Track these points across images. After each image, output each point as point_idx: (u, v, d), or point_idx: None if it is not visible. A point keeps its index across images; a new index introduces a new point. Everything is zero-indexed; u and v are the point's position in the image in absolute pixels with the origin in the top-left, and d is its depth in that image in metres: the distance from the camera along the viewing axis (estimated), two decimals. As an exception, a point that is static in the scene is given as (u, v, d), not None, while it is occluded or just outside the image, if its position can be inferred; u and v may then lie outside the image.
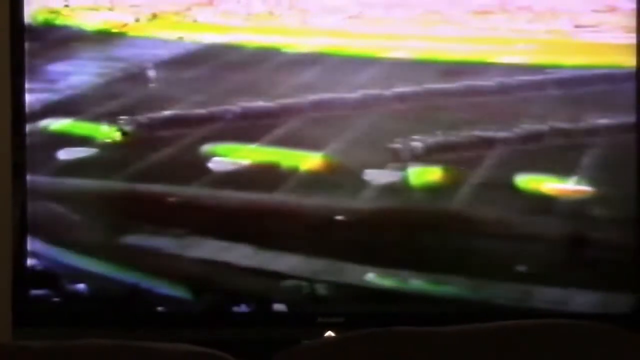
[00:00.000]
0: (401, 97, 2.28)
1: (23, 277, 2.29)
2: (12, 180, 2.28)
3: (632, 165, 2.24)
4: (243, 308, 2.33)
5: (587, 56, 2.30)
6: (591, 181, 2.26)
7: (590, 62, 2.29)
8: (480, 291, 2.26)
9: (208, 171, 2.32)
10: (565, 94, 2.28)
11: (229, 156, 2.32)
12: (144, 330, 2.29)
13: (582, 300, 2.24)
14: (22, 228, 2.28)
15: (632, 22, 2.29)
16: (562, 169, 2.27)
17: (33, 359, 1.44)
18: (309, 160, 2.30)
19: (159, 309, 2.31)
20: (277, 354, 1.49)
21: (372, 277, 2.28)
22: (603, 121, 2.27)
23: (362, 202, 2.28)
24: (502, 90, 2.27)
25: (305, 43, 2.31)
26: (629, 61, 2.28)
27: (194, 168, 2.31)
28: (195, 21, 2.33)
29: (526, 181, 2.26)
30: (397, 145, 2.27)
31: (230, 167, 2.32)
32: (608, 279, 2.24)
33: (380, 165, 2.28)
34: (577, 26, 2.29)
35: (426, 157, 2.27)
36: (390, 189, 2.28)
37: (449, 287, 2.27)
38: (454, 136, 2.27)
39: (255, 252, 2.31)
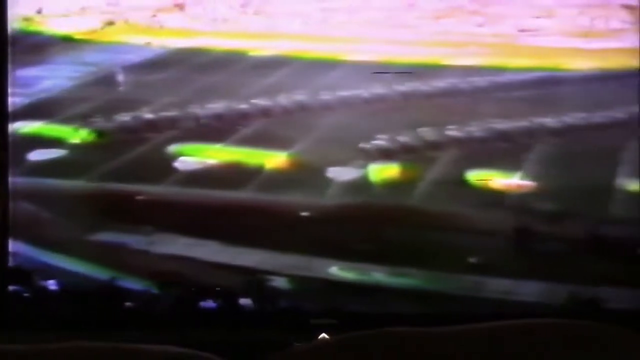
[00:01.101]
0: (363, 99, 2.41)
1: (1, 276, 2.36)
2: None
3: (574, 161, 2.41)
4: (210, 303, 2.42)
5: (531, 59, 2.46)
6: (535, 176, 2.42)
7: (533, 64, 2.45)
8: (436, 282, 2.41)
9: (176, 170, 2.41)
10: (513, 95, 2.43)
11: (197, 156, 2.42)
12: (118, 327, 2.38)
13: (528, 290, 2.39)
14: (4, 228, 2.33)
15: (570, 27, 2.45)
16: (509, 165, 2.42)
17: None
18: (275, 159, 2.41)
19: (131, 304, 2.39)
20: (269, 357, 1.52)
21: (335, 270, 2.41)
22: (547, 120, 2.44)
23: (326, 199, 2.41)
24: (457, 91, 2.42)
25: (271, 47, 2.41)
26: (570, 64, 2.44)
27: (163, 167, 2.40)
28: (162, 26, 2.42)
29: (477, 177, 2.41)
30: (362, 145, 2.40)
31: (197, 167, 2.42)
32: (552, 270, 2.39)
33: (343, 163, 2.40)
34: (520, 30, 2.44)
35: (387, 155, 2.40)
36: (353, 186, 2.41)
37: (408, 279, 2.41)
38: (412, 135, 2.41)
39: (222, 248, 2.41)
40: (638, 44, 2.44)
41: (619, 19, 2.45)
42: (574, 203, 2.41)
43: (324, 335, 2.30)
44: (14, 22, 2.36)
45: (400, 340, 1.47)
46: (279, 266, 2.42)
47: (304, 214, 2.40)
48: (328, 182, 2.40)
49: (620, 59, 2.43)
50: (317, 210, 2.41)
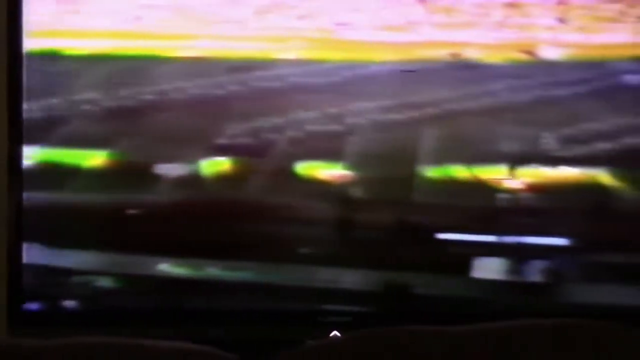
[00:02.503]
0: (191, 95, 2.40)
1: None
2: None
3: (386, 152, 2.54)
4: (34, 305, 2.34)
5: (346, 52, 2.55)
6: (356, 167, 2.52)
7: (349, 57, 2.54)
8: (270, 274, 2.45)
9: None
10: (334, 87, 2.51)
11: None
12: None
13: (352, 278, 2.48)
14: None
15: (378, 21, 2.57)
16: (332, 156, 2.50)
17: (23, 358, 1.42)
18: (95, 159, 2.36)
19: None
20: (282, 353, 1.52)
21: (166, 267, 2.39)
22: (362, 112, 2.54)
23: (155, 196, 2.38)
24: (284, 84, 2.47)
25: (91, 45, 2.38)
26: (380, 56, 2.55)
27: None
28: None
29: (304, 168, 2.48)
30: (192, 141, 2.39)
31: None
32: (370, 258, 2.49)
33: (173, 160, 2.37)
34: (337, 24, 2.52)
35: (218, 150, 2.41)
36: (184, 182, 2.40)
37: (242, 273, 2.44)
38: (243, 128, 2.43)
39: (44, 250, 2.35)
40: (433, 37, 2.58)
41: (416, 14, 2.57)
42: (386, 192, 2.51)
43: (335, 333, 2.31)
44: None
45: (411, 338, 1.49)
46: (104, 266, 2.39)
47: (130, 212, 2.33)
48: (157, 179, 2.36)
49: (421, 52, 2.55)
50: (145, 208, 2.37)
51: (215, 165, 2.40)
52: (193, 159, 2.39)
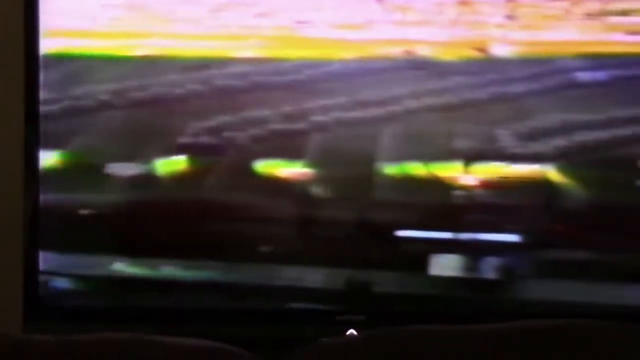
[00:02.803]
0: (148, 93, 2.37)
1: None
2: None
3: (350, 150, 2.53)
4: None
5: (306, 50, 2.54)
6: (315, 164, 2.52)
7: (308, 55, 2.53)
8: (230, 274, 2.43)
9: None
10: (294, 85, 2.49)
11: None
12: None
13: (314, 276, 2.47)
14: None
15: (336, 19, 2.56)
16: (293, 154, 2.49)
17: (44, 354, 1.42)
18: (50, 159, 2.36)
19: None
20: (299, 351, 1.52)
21: (120, 266, 2.36)
22: (320, 109, 2.53)
23: (108, 196, 2.36)
24: (244, 82, 2.45)
25: (45, 45, 2.36)
26: (340, 55, 2.54)
27: None
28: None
29: (265, 167, 2.47)
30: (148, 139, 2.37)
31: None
32: (332, 255, 2.49)
33: (130, 159, 2.37)
34: (297, 22, 2.51)
35: (180, 148, 2.38)
36: (143, 181, 2.37)
37: (201, 272, 2.42)
38: (202, 127, 2.41)
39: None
40: (390, 35, 2.58)
41: (374, 12, 2.57)
42: (347, 189, 2.50)
43: (352, 331, 2.28)
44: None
45: (411, 338, 1.49)
46: (59, 266, 2.37)
47: (82, 212, 2.33)
48: (115, 179, 2.34)
49: (379, 50, 2.55)
50: (97, 208, 2.37)
51: (175, 164, 2.37)
52: (152, 158, 2.36)
